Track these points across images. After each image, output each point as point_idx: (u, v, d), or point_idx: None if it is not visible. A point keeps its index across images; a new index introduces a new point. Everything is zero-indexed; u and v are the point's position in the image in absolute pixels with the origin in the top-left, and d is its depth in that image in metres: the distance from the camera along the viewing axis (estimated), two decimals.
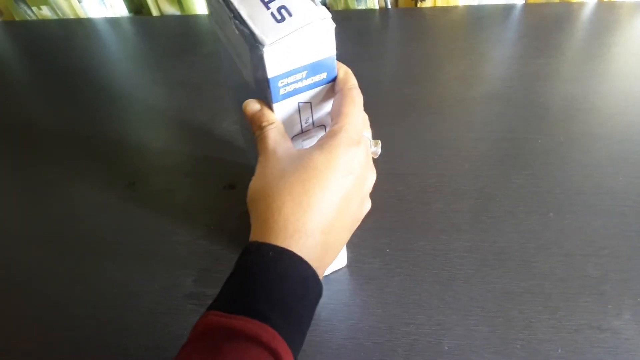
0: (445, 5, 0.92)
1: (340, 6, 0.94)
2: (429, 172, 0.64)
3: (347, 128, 0.38)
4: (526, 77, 0.76)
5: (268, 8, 0.36)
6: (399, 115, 0.72)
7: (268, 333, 0.32)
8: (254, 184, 0.38)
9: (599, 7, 0.87)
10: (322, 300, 0.52)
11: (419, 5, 0.93)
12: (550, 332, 0.50)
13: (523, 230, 0.58)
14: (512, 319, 0.51)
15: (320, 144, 0.38)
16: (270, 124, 0.39)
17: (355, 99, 0.39)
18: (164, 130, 0.76)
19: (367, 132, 0.42)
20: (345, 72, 0.40)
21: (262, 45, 0.34)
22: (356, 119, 0.39)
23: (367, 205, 0.42)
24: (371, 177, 0.41)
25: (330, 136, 0.38)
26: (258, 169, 0.38)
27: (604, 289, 0.52)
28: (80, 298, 0.57)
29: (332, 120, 0.40)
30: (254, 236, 0.36)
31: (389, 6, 0.94)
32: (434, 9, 0.92)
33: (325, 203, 0.36)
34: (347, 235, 0.40)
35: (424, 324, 0.51)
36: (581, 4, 0.88)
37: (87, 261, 0.60)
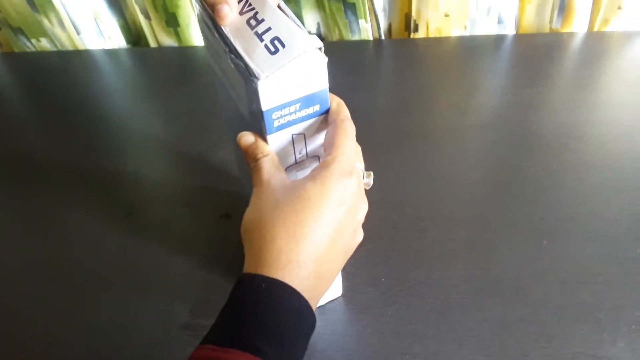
0: (437, 36, 0.93)
1: (335, 37, 0.96)
2: (424, 201, 0.65)
3: (339, 159, 0.38)
4: (518, 106, 0.77)
5: (262, 40, 0.37)
6: (394, 144, 0.73)
7: None
8: (248, 215, 0.39)
9: (589, 37, 0.89)
10: (318, 331, 0.52)
11: (412, 36, 0.95)
12: None
13: (518, 258, 0.58)
14: (508, 348, 0.51)
15: (313, 175, 0.38)
16: (264, 156, 0.39)
17: (347, 130, 0.40)
18: (161, 161, 0.77)
19: (360, 164, 0.43)
20: (337, 104, 0.41)
21: (257, 78, 0.35)
22: (348, 150, 0.39)
23: (360, 236, 0.42)
24: (363, 207, 0.41)
25: (323, 167, 0.38)
26: (252, 200, 0.39)
27: (599, 316, 0.52)
28: (76, 328, 0.57)
29: (324, 151, 0.40)
30: (248, 267, 0.37)
31: (383, 37, 0.95)
32: (426, 39, 0.94)
33: (318, 234, 0.37)
34: (340, 265, 0.41)
35: (420, 354, 0.51)
36: (571, 34, 0.90)
37: (83, 291, 0.60)
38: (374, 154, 0.70)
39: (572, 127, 0.72)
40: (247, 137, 0.40)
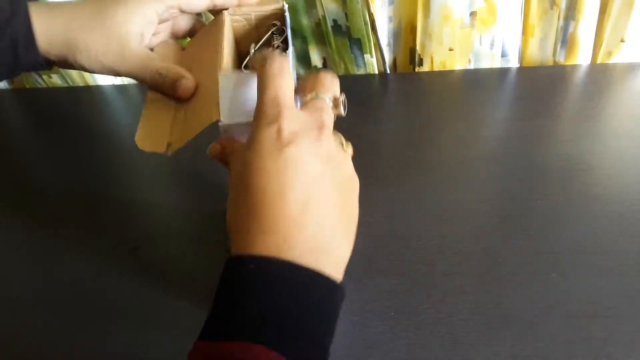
0: (442, 69, 0.95)
1: (341, 72, 0.97)
2: (431, 234, 0.65)
3: (258, 110, 0.36)
4: (523, 138, 0.78)
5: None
6: (400, 176, 0.73)
7: (253, 353, 0.29)
8: (232, 170, 0.39)
9: (592, 70, 0.90)
10: None
11: (416, 69, 0.96)
12: None
13: (527, 291, 0.58)
14: None
15: (248, 140, 0.37)
16: (231, 152, 0.40)
17: (265, 72, 0.37)
18: (169, 195, 0.77)
19: (324, 93, 0.39)
20: (260, 56, 0.39)
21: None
22: (266, 97, 0.36)
23: (351, 170, 0.38)
24: (327, 136, 0.36)
25: (252, 127, 0.37)
26: (232, 156, 0.40)
27: (610, 350, 0.52)
28: None
29: None
30: (233, 252, 0.35)
31: (388, 71, 0.97)
32: (431, 73, 0.95)
33: (276, 192, 0.33)
34: (343, 213, 0.36)
35: None
36: (574, 67, 0.90)
37: (90, 327, 0.60)
38: (380, 186, 0.71)
39: (578, 159, 0.73)
40: (214, 148, 0.42)
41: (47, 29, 0.42)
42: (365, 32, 0.89)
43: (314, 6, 0.91)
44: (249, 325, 0.31)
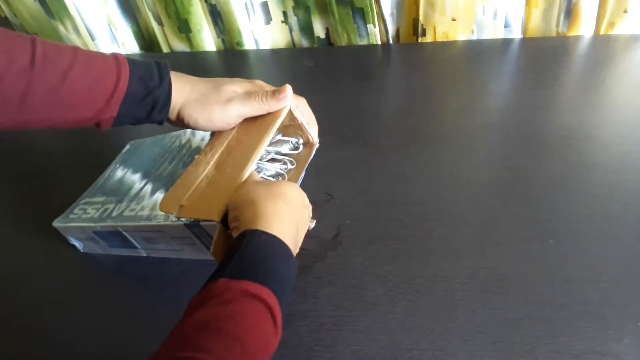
0: (444, 40, 0.95)
1: (344, 42, 0.97)
2: (431, 201, 0.66)
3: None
4: (524, 108, 0.78)
5: None
6: (402, 145, 0.74)
7: (266, 293, 0.43)
8: (239, 195, 0.50)
9: (595, 41, 0.90)
10: (326, 327, 0.53)
11: (419, 40, 0.96)
12: (551, 357, 0.50)
13: (523, 257, 0.59)
14: (514, 345, 0.51)
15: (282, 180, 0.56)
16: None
17: None
18: None
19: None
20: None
21: None
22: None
23: (308, 215, 0.53)
24: (307, 209, 0.53)
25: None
26: (239, 188, 0.51)
27: (605, 313, 0.53)
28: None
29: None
30: (246, 228, 0.47)
31: (391, 41, 0.97)
32: (434, 43, 0.95)
33: (286, 209, 0.49)
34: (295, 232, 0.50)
35: (427, 350, 0.52)
36: (577, 38, 0.90)
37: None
38: (383, 154, 0.72)
39: (577, 128, 0.73)
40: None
41: (174, 99, 0.53)
42: (368, 2, 0.89)
43: None
44: (264, 275, 0.44)
